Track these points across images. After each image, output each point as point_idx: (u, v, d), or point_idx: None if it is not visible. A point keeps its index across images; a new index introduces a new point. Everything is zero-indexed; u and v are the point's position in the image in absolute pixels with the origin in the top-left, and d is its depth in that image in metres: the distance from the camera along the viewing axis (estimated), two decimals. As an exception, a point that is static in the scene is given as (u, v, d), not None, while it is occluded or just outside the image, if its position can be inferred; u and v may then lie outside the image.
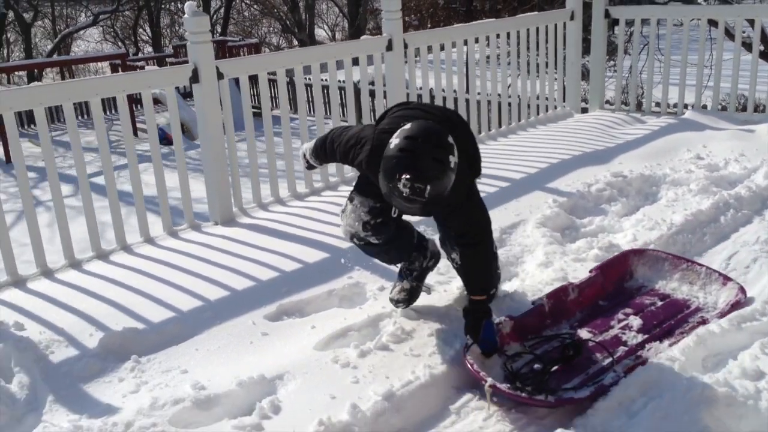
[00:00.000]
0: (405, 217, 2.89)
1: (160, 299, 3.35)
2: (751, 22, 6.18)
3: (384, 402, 2.55)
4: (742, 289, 3.17)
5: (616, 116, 6.35)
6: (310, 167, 3.35)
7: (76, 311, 3.26)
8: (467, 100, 6.90)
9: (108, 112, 12.75)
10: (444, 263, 3.27)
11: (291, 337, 3.03)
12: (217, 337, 3.05)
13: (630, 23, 6.76)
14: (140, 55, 21.08)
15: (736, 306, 3.05)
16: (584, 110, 6.91)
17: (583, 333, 3.01)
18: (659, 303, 3.24)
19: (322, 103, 5.21)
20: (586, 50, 7.56)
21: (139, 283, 3.52)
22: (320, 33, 25.39)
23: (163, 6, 22.98)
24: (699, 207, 4.07)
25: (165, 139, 9.90)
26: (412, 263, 3.11)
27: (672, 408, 2.40)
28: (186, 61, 4.32)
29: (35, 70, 18.60)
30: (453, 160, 2.51)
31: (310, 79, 11.19)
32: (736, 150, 5.05)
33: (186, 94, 13.05)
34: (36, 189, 9.55)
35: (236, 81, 4.61)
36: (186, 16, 4.07)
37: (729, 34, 7.72)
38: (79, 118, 11.46)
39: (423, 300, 3.21)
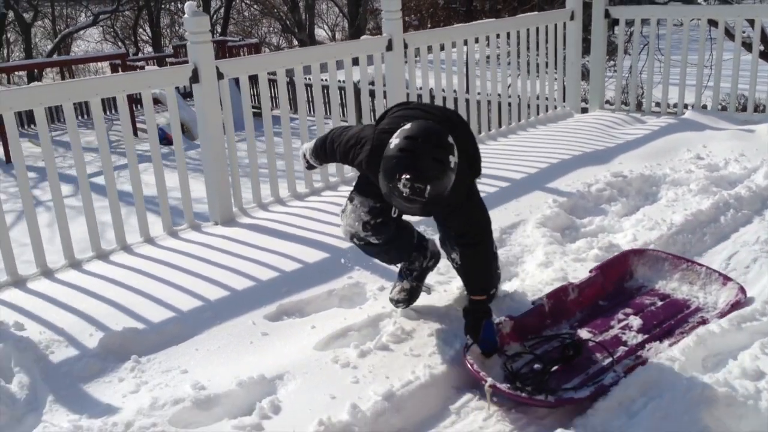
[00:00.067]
0: (405, 217, 2.88)
1: (160, 299, 3.35)
2: (751, 22, 6.18)
3: (384, 402, 2.55)
4: (742, 289, 3.17)
5: (616, 116, 6.35)
6: (310, 167, 3.35)
7: (76, 311, 3.26)
8: (467, 100, 6.90)
9: (108, 112, 12.75)
10: (444, 263, 3.27)
11: (291, 337, 3.03)
12: (217, 337, 3.05)
13: (630, 23, 6.76)
14: (140, 55, 21.07)
15: (736, 306, 3.05)
16: (584, 110, 6.91)
17: (583, 333, 3.01)
18: (659, 303, 3.24)
19: (322, 103, 5.21)
20: (586, 50, 7.56)
21: (139, 283, 3.52)
22: (320, 33, 25.39)
23: (163, 6, 22.98)
24: (699, 207, 4.07)
25: (165, 139, 9.90)
26: (412, 263, 3.11)
27: (672, 408, 2.40)
28: (186, 61, 4.32)
29: (35, 70, 18.60)
30: (453, 160, 2.51)
31: (310, 79, 11.18)
32: (736, 150, 5.05)
33: (185, 94, 13.04)
34: (36, 189, 9.55)
35: (236, 81, 4.61)
36: (186, 16, 4.07)
37: (729, 34, 7.72)
38: (79, 118, 11.44)
39: (423, 300, 3.21)
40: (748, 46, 7.50)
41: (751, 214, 4.06)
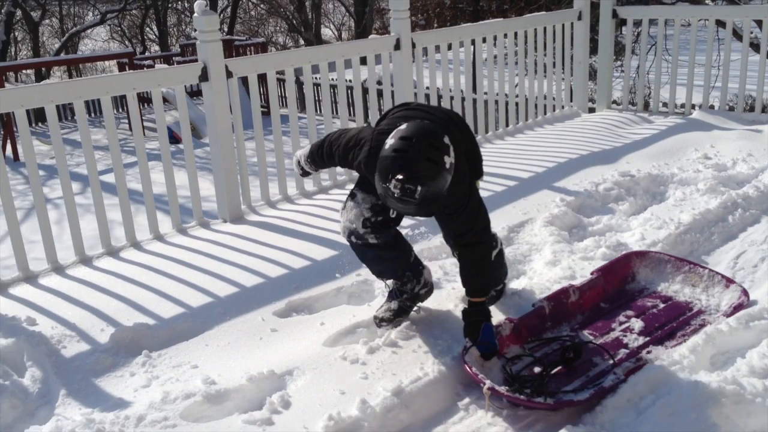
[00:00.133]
0: (408, 231, 2.85)
1: (171, 295, 3.38)
2: (759, 23, 6.18)
3: (393, 398, 2.57)
4: (744, 292, 3.16)
5: (623, 116, 6.35)
6: (304, 174, 3.29)
7: (87, 307, 3.29)
8: (474, 100, 6.91)
9: (115, 111, 12.79)
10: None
11: (300, 334, 3.05)
12: (227, 333, 3.07)
13: (638, 23, 6.77)
14: (147, 54, 21.13)
15: (738, 308, 3.03)
16: (591, 110, 6.92)
17: (584, 335, 2.99)
18: (661, 305, 3.22)
19: (330, 102, 5.23)
20: (593, 50, 7.55)
21: (149, 280, 3.55)
22: (327, 32, 25.42)
23: (170, 5, 23.02)
24: (707, 206, 4.07)
25: (172, 137, 9.93)
26: (404, 284, 3.02)
27: (680, 405, 2.41)
28: (193, 60, 4.34)
29: (43, 69, 18.67)
30: (448, 160, 2.49)
31: (318, 78, 11.15)
32: (743, 150, 5.05)
33: (191, 93, 13.07)
34: (44, 187, 9.58)
35: (242, 80, 4.62)
36: (196, 14, 4.10)
37: (737, 35, 7.72)
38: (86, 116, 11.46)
39: (431, 298, 3.22)
40: (756, 46, 7.50)
41: (759, 213, 4.07)
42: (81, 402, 2.66)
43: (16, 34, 22.64)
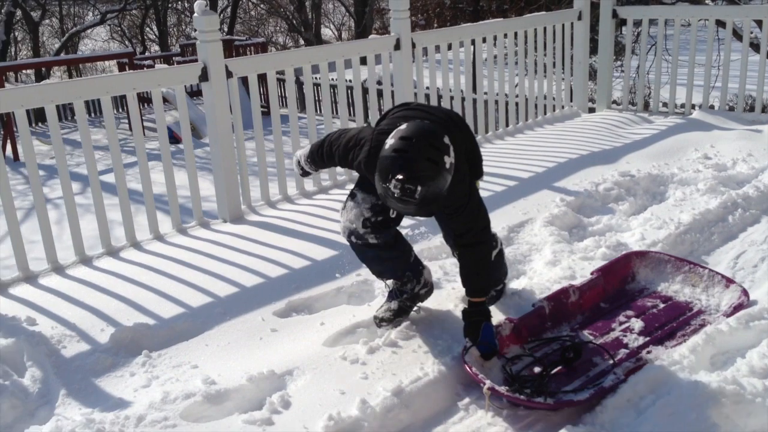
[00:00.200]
0: (408, 231, 2.85)
1: (171, 295, 3.38)
2: (759, 23, 6.18)
3: (393, 398, 2.57)
4: (744, 292, 3.15)
5: (623, 116, 6.35)
6: (304, 174, 3.29)
7: (87, 307, 3.29)
8: (474, 100, 6.91)
9: (114, 111, 12.79)
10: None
11: (300, 334, 3.05)
12: (227, 333, 3.07)
13: (638, 23, 6.77)
14: (147, 54, 21.13)
15: (738, 308, 3.03)
16: (591, 110, 6.92)
17: (584, 335, 2.99)
18: (661, 305, 3.22)
19: (330, 102, 5.23)
20: (593, 50, 7.56)
21: (149, 280, 3.55)
22: (327, 32, 25.43)
23: (170, 5, 23.02)
24: (707, 206, 4.07)
25: (172, 137, 9.94)
26: (404, 284, 3.01)
27: (680, 405, 2.41)
28: (193, 60, 4.34)
29: (43, 69, 18.67)
30: (448, 160, 2.49)
31: (318, 78, 11.15)
32: (743, 150, 5.05)
33: (192, 93, 13.08)
34: (44, 187, 9.57)
35: (241, 80, 4.62)
36: (196, 14, 4.10)
37: (737, 35, 7.72)
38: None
39: (431, 298, 3.22)
40: (756, 46, 7.50)
41: (759, 213, 4.07)
42: (81, 402, 2.66)
43: (16, 34, 22.64)
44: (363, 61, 5.14)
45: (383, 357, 2.84)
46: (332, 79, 9.31)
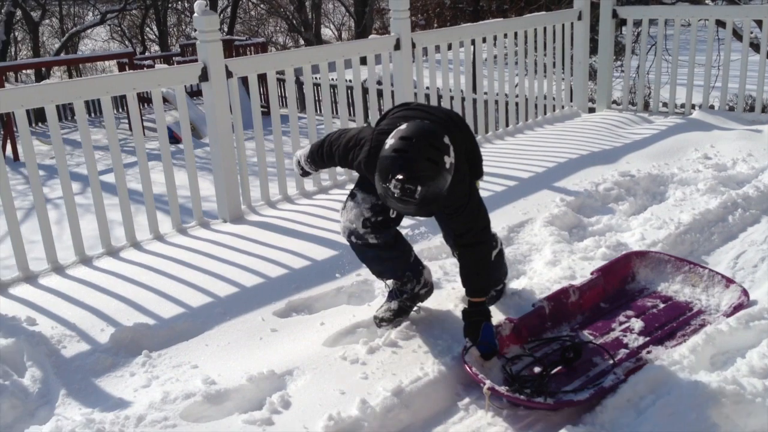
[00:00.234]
0: (408, 231, 2.85)
1: (171, 295, 3.38)
2: (759, 23, 6.18)
3: (393, 398, 2.57)
4: (745, 292, 3.15)
5: (623, 116, 6.35)
6: (304, 174, 3.29)
7: (87, 307, 3.29)
8: (474, 100, 6.92)
9: (114, 111, 12.77)
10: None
11: (300, 334, 3.05)
12: (227, 333, 3.07)
13: (638, 23, 6.77)
14: (147, 54, 21.13)
15: (738, 308, 3.03)
16: (591, 110, 6.92)
17: (584, 335, 2.99)
18: (661, 305, 3.22)
19: (330, 102, 5.23)
20: (593, 50, 7.56)
21: (149, 280, 3.55)
22: (326, 32, 25.43)
23: (169, 5, 23.03)
24: (707, 206, 4.07)
25: (171, 137, 9.94)
26: (404, 284, 3.01)
27: (680, 405, 2.41)
28: (193, 60, 4.34)
29: (43, 69, 18.67)
30: (448, 160, 2.49)
31: (318, 78, 11.15)
32: (743, 150, 5.05)
33: (191, 93, 13.08)
34: (43, 187, 9.57)
35: (241, 80, 4.61)
36: (196, 14, 4.10)
37: (737, 35, 7.72)
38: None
39: (431, 298, 3.22)
40: (756, 46, 7.50)
41: (759, 213, 4.07)
42: (81, 402, 2.66)
43: (16, 34, 22.64)
44: (363, 61, 5.15)
45: (383, 357, 2.84)
46: (332, 79, 9.31)
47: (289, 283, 3.46)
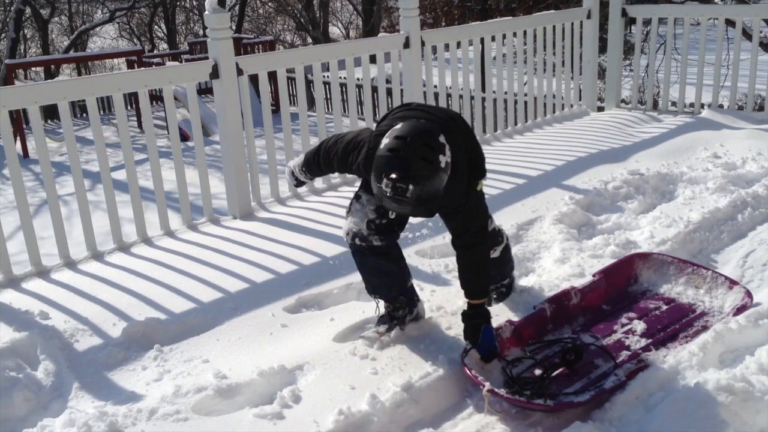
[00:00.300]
0: (408, 234, 2.78)
1: (182, 290, 3.41)
2: (769, 22, 6.17)
3: (403, 393, 2.58)
4: (748, 293, 3.11)
5: (632, 115, 6.35)
6: (299, 184, 3.27)
7: (99, 301, 3.32)
8: (483, 98, 6.92)
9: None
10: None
11: (310, 329, 3.07)
12: (238, 328, 3.09)
13: (647, 22, 6.76)
14: (156, 51, 21.20)
15: (741, 310, 2.99)
16: (600, 109, 6.91)
17: (586, 337, 2.97)
18: (664, 307, 3.19)
19: (339, 100, 5.25)
20: (602, 49, 7.55)
21: (160, 275, 3.58)
22: (334, 31, 25.45)
23: (178, 3, 23.09)
24: (716, 205, 4.07)
25: (180, 135, 9.98)
26: (395, 309, 2.97)
27: (689, 402, 2.41)
28: (201, 58, 4.37)
29: (52, 67, 18.75)
30: (444, 159, 2.46)
31: (327, 76, 11.17)
32: (753, 149, 5.04)
33: (200, 91, 13.12)
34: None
35: (249, 79, 4.61)
36: (207, 12, 4.12)
37: (746, 34, 7.70)
38: (96, 113, 11.51)
39: (440, 294, 3.24)
40: (765, 46, 7.48)
41: (768, 212, 4.06)
42: (94, 395, 2.69)
43: (26, 31, 22.74)
44: (373, 59, 5.16)
45: (393, 353, 2.86)
46: (342, 78, 9.34)
47: (299, 279, 3.48)
